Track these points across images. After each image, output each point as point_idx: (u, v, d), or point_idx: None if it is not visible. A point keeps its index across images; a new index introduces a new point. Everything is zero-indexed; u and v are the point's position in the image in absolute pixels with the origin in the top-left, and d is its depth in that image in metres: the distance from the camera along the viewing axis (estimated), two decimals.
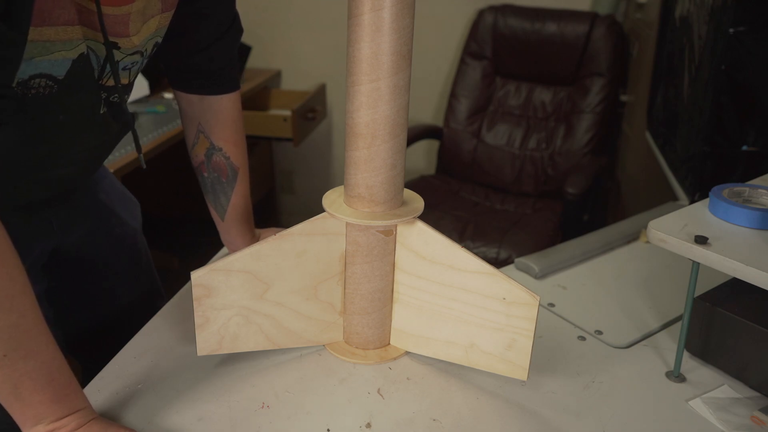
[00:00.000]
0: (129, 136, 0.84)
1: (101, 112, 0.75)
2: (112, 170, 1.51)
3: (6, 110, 0.59)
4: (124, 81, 0.77)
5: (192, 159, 0.95)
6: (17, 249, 0.61)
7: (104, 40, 0.67)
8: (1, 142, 0.68)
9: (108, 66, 0.71)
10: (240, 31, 0.90)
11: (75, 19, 0.63)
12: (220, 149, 0.92)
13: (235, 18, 0.88)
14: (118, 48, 0.71)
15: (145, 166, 0.86)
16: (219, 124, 0.91)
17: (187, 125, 0.93)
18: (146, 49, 0.77)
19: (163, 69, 0.91)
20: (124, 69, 0.75)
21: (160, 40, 0.79)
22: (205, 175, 0.94)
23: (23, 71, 0.62)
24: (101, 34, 0.67)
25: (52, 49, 0.63)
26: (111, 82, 0.73)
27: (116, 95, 0.76)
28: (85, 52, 0.67)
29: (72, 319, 0.98)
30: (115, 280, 1.01)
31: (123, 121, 0.80)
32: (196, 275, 0.74)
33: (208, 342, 0.78)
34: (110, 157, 1.44)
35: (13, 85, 0.62)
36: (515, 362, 0.76)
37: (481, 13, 2.37)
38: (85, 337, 1.00)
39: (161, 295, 1.10)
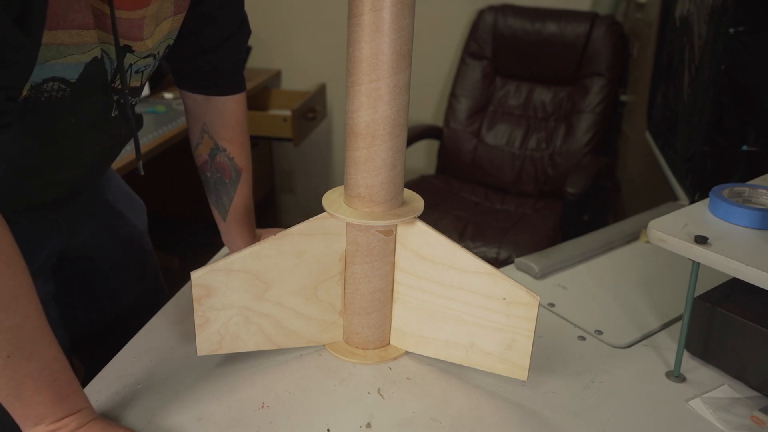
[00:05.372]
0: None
1: (112, 115, 0.75)
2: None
3: (12, 113, 0.59)
4: (136, 84, 0.77)
5: (195, 158, 0.95)
6: (26, 250, 0.61)
7: (115, 44, 0.67)
8: (12, 144, 0.68)
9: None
10: (248, 33, 0.90)
11: (91, 23, 0.64)
12: (224, 150, 0.92)
13: (242, 21, 0.88)
14: (132, 51, 0.71)
15: (143, 173, 0.85)
16: (224, 125, 0.91)
17: (192, 124, 0.93)
18: (158, 52, 0.77)
19: (170, 69, 0.91)
20: (137, 72, 0.75)
21: (171, 42, 0.79)
22: (208, 174, 0.94)
23: (37, 75, 0.62)
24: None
25: (65, 53, 0.63)
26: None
27: (128, 97, 0.76)
28: (99, 56, 0.67)
29: (77, 319, 0.98)
30: (120, 282, 1.01)
31: (130, 123, 0.80)
32: (196, 275, 0.74)
33: (208, 342, 0.78)
34: None
35: (26, 89, 0.62)
36: (515, 362, 0.76)
37: (481, 13, 2.37)
38: (89, 337, 1.00)
39: (165, 296, 1.10)
